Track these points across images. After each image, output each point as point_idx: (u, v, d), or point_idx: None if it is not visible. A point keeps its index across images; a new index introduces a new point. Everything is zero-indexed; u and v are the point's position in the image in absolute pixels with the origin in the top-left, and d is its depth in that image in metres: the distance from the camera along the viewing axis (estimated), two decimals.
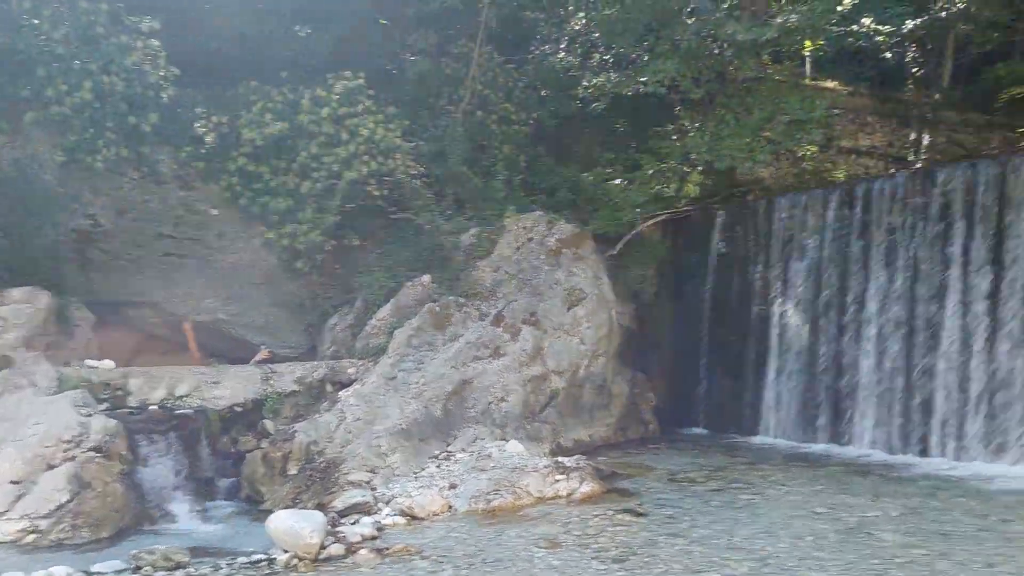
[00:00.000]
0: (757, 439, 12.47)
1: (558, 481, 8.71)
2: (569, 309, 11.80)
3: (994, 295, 10.09)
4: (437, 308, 11.36)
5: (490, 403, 10.59)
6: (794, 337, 12.37)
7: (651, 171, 13.22)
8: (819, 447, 11.61)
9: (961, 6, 14.73)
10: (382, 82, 13.62)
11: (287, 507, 8.08)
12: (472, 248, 12.34)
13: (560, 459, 9.41)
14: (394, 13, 14.46)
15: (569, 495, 8.54)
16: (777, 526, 7.39)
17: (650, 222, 13.80)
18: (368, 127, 12.08)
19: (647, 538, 7.08)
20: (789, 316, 12.50)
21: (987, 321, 10.12)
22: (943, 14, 15.06)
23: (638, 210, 13.09)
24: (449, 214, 12.67)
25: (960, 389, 10.27)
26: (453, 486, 8.58)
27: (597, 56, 15.03)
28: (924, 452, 10.52)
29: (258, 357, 12.15)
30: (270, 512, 7.44)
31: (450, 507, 8.20)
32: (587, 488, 8.67)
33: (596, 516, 7.78)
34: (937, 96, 16.14)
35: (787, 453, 11.36)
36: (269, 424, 10.22)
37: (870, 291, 11.48)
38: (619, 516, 7.80)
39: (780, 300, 12.66)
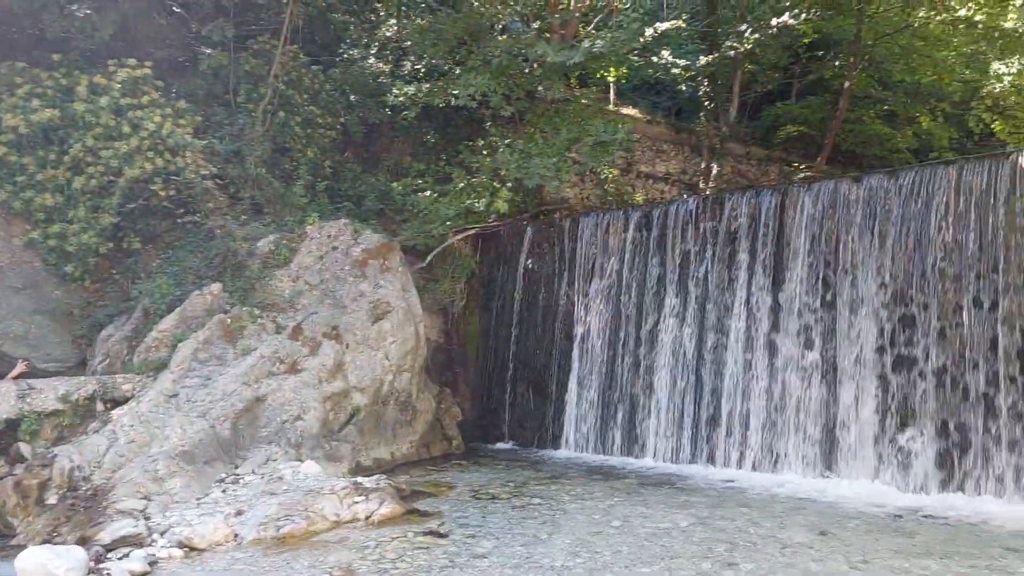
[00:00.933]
0: (560, 453, 12.64)
1: (356, 503, 8.25)
2: (374, 323, 11.36)
3: (774, 316, 10.86)
4: (228, 319, 10.51)
5: (285, 421, 9.92)
6: (595, 353, 12.70)
7: (462, 184, 13.12)
8: (616, 460, 11.94)
9: (747, 48, 15.96)
10: (173, 74, 12.54)
11: (43, 541, 7.13)
12: (270, 256, 11.58)
13: (359, 479, 8.94)
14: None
15: (368, 517, 8.11)
16: (576, 542, 7.38)
17: (460, 236, 13.70)
18: (154, 121, 11.05)
19: (448, 560, 6.80)
20: (591, 332, 12.82)
21: (767, 340, 10.87)
22: (731, 53, 16.24)
23: (448, 223, 12.94)
24: (245, 219, 11.84)
25: (743, 404, 10.94)
26: (240, 512, 7.88)
27: (408, 64, 14.77)
28: (711, 463, 11.09)
29: (15, 371, 10.66)
30: (22, 548, 6.50)
31: (235, 536, 7.50)
32: (387, 509, 8.27)
33: (396, 539, 7.41)
34: (725, 129, 17.39)
35: (587, 467, 11.56)
36: (25, 448, 8.96)
37: (665, 310, 12.01)
38: (420, 538, 7.47)
39: (583, 317, 12.97)
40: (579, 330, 12.98)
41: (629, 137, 13.53)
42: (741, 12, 16.90)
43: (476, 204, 12.95)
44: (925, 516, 8.41)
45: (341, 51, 14.75)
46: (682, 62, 16.97)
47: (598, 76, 16.05)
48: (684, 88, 18.30)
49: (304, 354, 10.50)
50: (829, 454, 10.08)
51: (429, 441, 12.44)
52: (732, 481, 10.32)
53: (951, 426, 9.14)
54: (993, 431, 8.86)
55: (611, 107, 16.68)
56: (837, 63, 17.71)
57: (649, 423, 11.88)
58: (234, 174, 12.22)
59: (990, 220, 9.18)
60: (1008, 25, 17.08)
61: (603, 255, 12.95)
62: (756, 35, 15.81)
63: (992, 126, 18.44)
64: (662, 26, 14.33)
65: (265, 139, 12.55)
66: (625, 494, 9.52)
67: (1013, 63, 17.45)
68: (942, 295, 9.39)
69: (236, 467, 9.22)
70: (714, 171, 17.17)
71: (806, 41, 17.79)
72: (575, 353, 12.95)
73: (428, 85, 13.44)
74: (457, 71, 13.55)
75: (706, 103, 18.21)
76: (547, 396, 13.17)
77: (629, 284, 12.55)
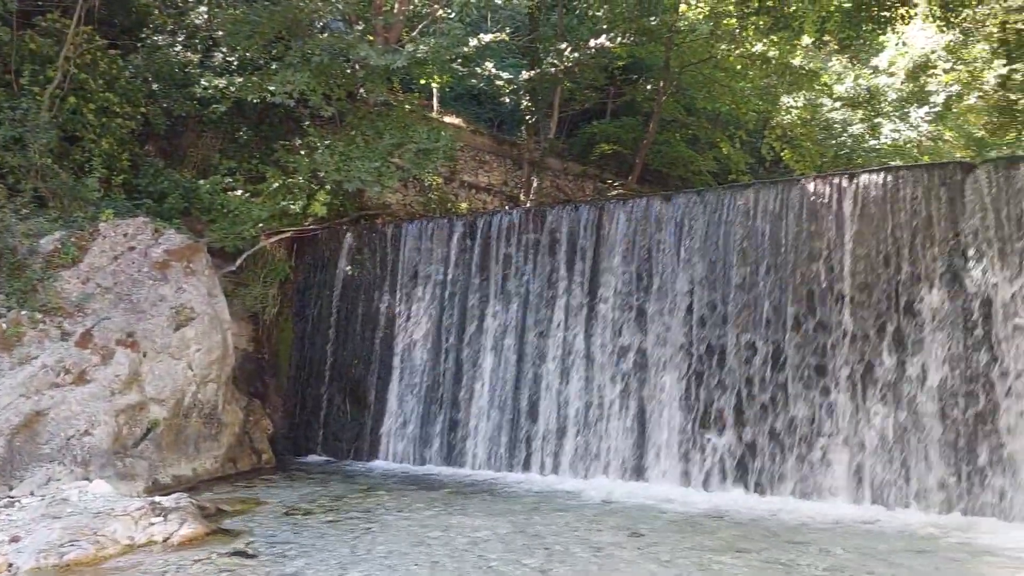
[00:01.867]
0: (378, 465, 12.33)
1: (153, 524, 7.55)
2: (176, 329, 10.53)
3: (590, 325, 11.21)
4: (4, 324, 9.36)
5: (71, 437, 8.94)
6: (416, 362, 12.53)
7: (276, 185, 12.52)
8: (436, 470, 11.81)
9: (566, 65, 16.50)
10: None
11: None
12: (55, 255, 10.43)
13: (157, 499, 8.20)
14: None
15: (167, 539, 7.43)
16: (394, 555, 7.16)
17: (274, 239, 13.06)
18: None
19: None
20: (412, 342, 12.64)
21: (584, 350, 11.19)
22: (552, 70, 16.73)
23: (261, 225, 12.28)
24: (26, 213, 10.60)
25: (561, 411, 11.19)
26: (15, 539, 6.97)
27: (220, 55, 13.92)
28: (530, 470, 11.23)
29: None
30: None
31: (10, 566, 6.61)
32: (188, 530, 7.63)
33: (198, 561, 6.83)
34: (544, 144, 17.86)
35: (406, 478, 11.35)
36: None
37: (488, 319, 12.07)
38: (225, 559, 6.94)
39: (405, 325, 12.76)
40: (400, 339, 12.76)
41: (452, 145, 13.52)
42: (561, 31, 17.47)
43: (292, 206, 12.41)
44: (726, 514, 8.93)
45: (144, 36, 13.64)
46: (505, 75, 17.26)
47: (422, 82, 15.96)
48: (507, 101, 18.64)
49: (94, 363, 9.54)
50: (641, 458, 10.51)
51: (236, 456, 11.71)
52: (550, 487, 10.50)
53: (748, 428, 9.82)
54: (775, 433, 9.62)
55: (435, 114, 16.64)
56: (648, 87, 18.74)
57: (470, 431, 11.86)
58: (14, 163, 10.93)
59: (780, 238, 10.01)
60: (796, 62, 18.87)
61: (426, 263, 12.83)
62: (575, 54, 16.38)
63: (782, 154, 20.25)
64: (486, 38, 14.48)
65: (52, 126, 11.33)
66: (444, 504, 9.40)
67: (799, 97, 19.27)
68: (743, 306, 10.10)
69: (11, 488, 8.20)
70: (534, 184, 17.58)
71: (621, 64, 18.70)
72: (395, 362, 12.71)
73: (241, 79, 12.72)
74: (274, 67, 12.94)
75: (527, 117, 18.64)
76: (365, 406, 12.82)
77: (452, 293, 12.51)
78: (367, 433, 12.71)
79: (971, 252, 8.90)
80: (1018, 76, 19.50)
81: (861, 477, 9.12)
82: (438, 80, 15.49)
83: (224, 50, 13.88)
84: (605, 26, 17.00)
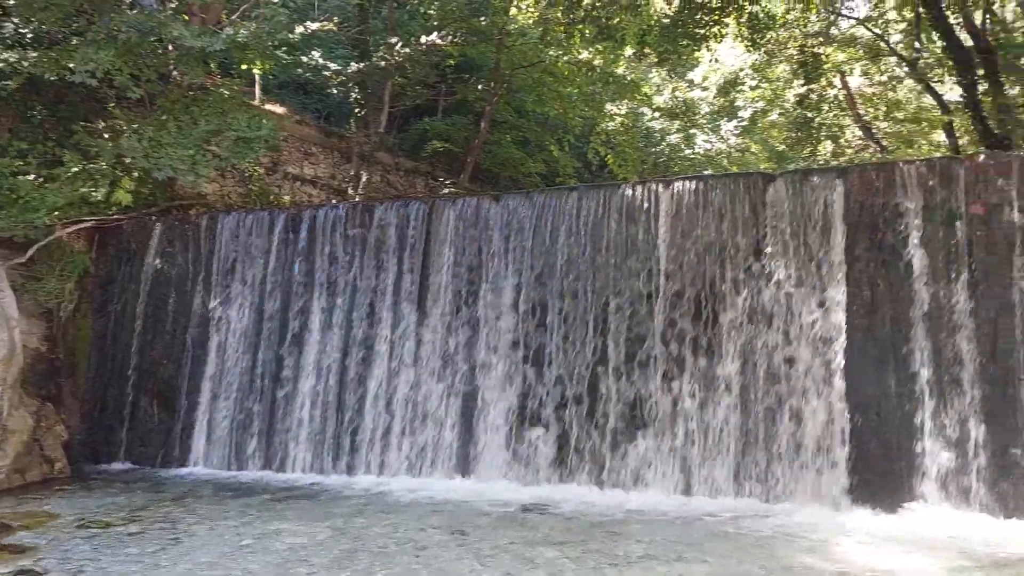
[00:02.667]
0: (188, 471, 11.57)
1: None
2: None
3: (419, 324, 11.09)
4: None
5: None
6: (233, 362, 11.87)
7: (76, 170, 11.42)
8: (253, 475, 11.25)
9: (397, 60, 16.27)
10: None
11: None
12: None
13: None
14: None
15: None
16: (203, 567, 6.73)
17: (72, 228, 11.95)
18: None
19: None
20: (229, 340, 11.97)
21: (412, 348, 11.05)
22: (382, 64, 16.44)
23: (56, 213, 11.18)
24: None
25: (387, 410, 10.99)
26: None
27: (11, 27, 12.53)
28: (354, 472, 10.94)
29: None
30: None
31: None
32: None
33: None
34: (374, 138, 17.54)
35: (219, 484, 10.72)
36: None
37: (311, 317, 11.65)
38: None
39: (220, 323, 12.07)
40: (215, 338, 12.04)
41: (275, 135, 12.93)
42: (391, 25, 17.22)
43: (93, 194, 11.38)
44: (547, 508, 9.11)
45: None
46: (333, 65, 16.78)
47: (243, 68, 15.18)
48: (335, 92, 18.13)
49: None
50: (466, 456, 10.53)
51: (25, 466, 10.61)
52: (375, 488, 10.27)
53: (572, 424, 10.08)
54: (596, 427, 9.96)
55: (257, 102, 15.88)
56: (480, 87, 18.88)
57: (290, 435, 11.39)
58: None
59: (603, 240, 10.37)
60: (619, 72, 19.70)
61: (245, 258, 12.18)
62: (406, 49, 16.19)
63: (606, 159, 21.06)
64: (312, 26, 13.98)
65: None
66: (261, 511, 8.97)
67: (622, 105, 20.13)
68: (568, 305, 10.37)
69: None
70: (363, 179, 17.21)
71: (452, 62, 18.70)
72: (210, 361, 11.98)
73: (36, 54, 11.51)
74: (75, 42, 11.80)
75: (356, 110, 18.22)
76: (175, 410, 11.98)
77: (273, 290, 11.96)
78: (177, 438, 11.90)
79: (770, 255, 9.61)
80: (814, 96, 21.42)
81: (677, 468, 9.61)
82: (260, 67, 14.76)
83: (16, 21, 12.50)
84: (436, 23, 16.93)
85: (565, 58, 17.98)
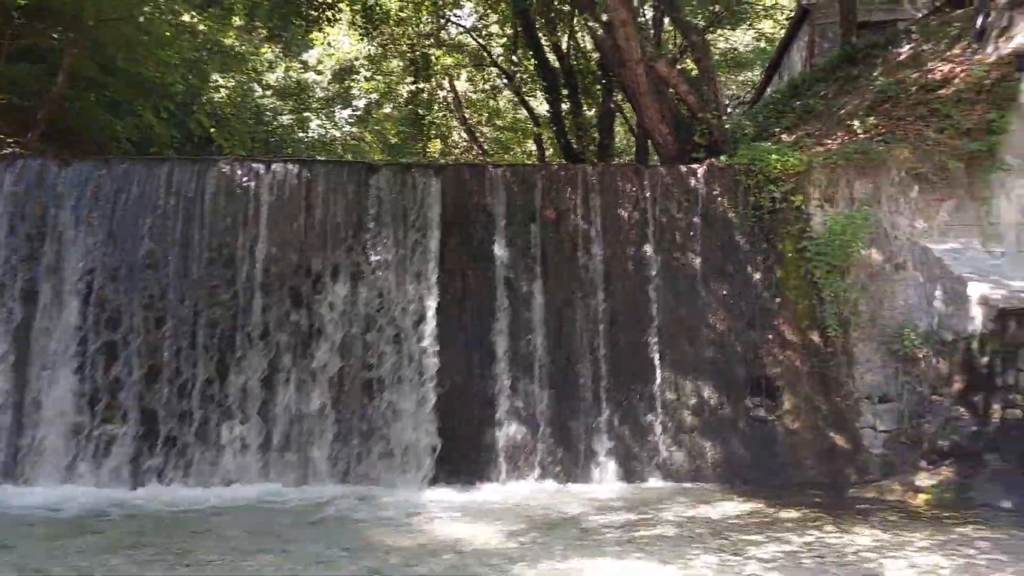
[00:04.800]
0: None
1: None
2: None
3: None
4: None
5: None
6: None
7: None
8: None
9: None
10: None
11: None
12: None
13: None
14: None
15: None
16: None
17: None
18: None
19: None
20: None
21: None
22: None
23: None
24: None
25: None
26: None
27: None
28: None
29: None
30: None
31: None
32: None
33: None
34: None
35: None
36: None
37: None
38: None
39: None
40: None
41: None
42: None
43: None
44: (124, 511, 8.18)
45: None
46: None
47: None
48: None
49: None
50: (17, 459, 9.02)
51: None
52: None
53: (154, 418, 9.18)
54: (180, 420, 9.22)
55: None
56: (56, 36, 16.32)
57: None
58: None
59: (195, 219, 9.61)
60: (228, 42, 18.53)
61: None
62: None
63: (211, 131, 19.68)
64: None
65: None
66: None
67: (231, 77, 18.98)
68: (151, 288, 9.41)
69: None
70: None
71: (23, 2, 15.89)
72: None
73: None
74: None
75: None
76: None
77: None
78: None
79: (371, 245, 9.76)
80: (425, 95, 22.41)
81: (271, 459, 9.28)
82: None
83: None
84: None
85: (164, 18, 16.37)
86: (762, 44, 25.44)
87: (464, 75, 23.23)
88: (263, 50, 21.47)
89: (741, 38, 25.19)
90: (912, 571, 5.95)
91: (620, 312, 9.90)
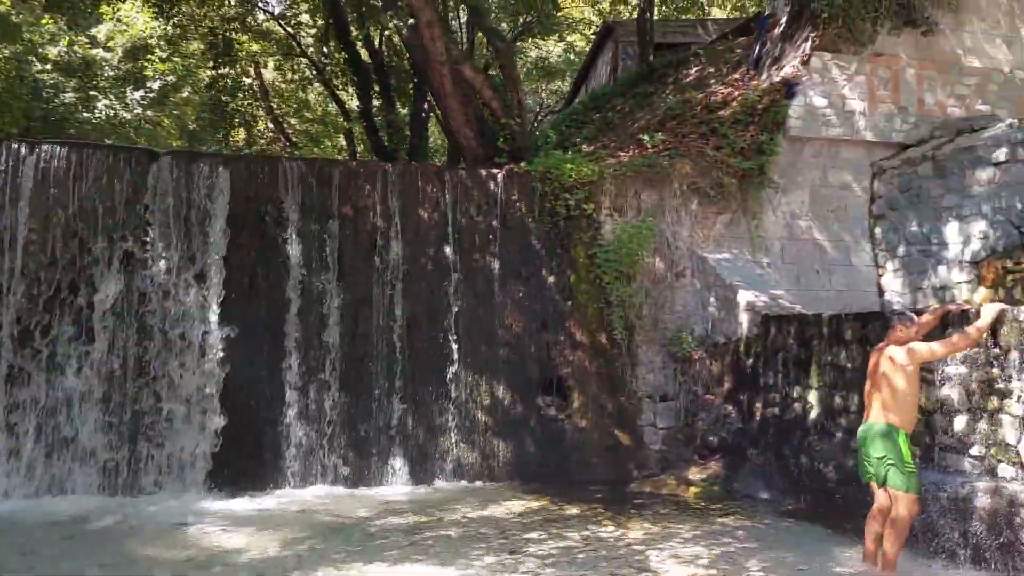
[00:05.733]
0: None
1: None
2: None
3: None
4: None
5: None
6: None
7: None
8: None
9: None
10: None
11: None
12: None
13: None
14: None
15: None
16: None
17: None
18: None
19: None
20: None
21: None
22: None
23: None
24: None
25: None
26: None
27: None
28: None
29: None
30: None
31: None
32: None
33: None
34: None
35: None
36: None
37: None
38: None
39: None
40: None
41: None
42: None
43: None
44: None
45: None
46: None
47: None
48: None
49: None
50: None
51: None
52: None
53: None
54: None
55: None
56: None
57: None
58: None
59: None
60: (2, 9, 16.62)
61: None
62: None
63: None
64: None
65: None
66: None
67: (3, 48, 17.05)
68: None
69: None
70: None
71: None
72: None
73: None
74: None
75: None
76: None
77: None
78: None
79: (148, 237, 9.07)
80: (229, 80, 21.28)
81: (18, 467, 8.38)
82: None
83: None
84: None
85: None
86: (572, 56, 26.43)
87: (272, 63, 22.31)
88: (44, 21, 19.45)
89: (553, 48, 26.01)
90: (674, 561, 6.31)
91: (418, 312, 9.85)
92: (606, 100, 16.12)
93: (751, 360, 9.45)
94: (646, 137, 11.93)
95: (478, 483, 9.52)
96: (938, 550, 5.90)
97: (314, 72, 21.73)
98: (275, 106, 22.43)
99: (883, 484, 5.64)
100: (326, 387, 9.34)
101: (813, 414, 8.13)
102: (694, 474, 9.41)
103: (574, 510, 8.18)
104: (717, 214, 11.13)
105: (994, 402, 5.74)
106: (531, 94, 27.88)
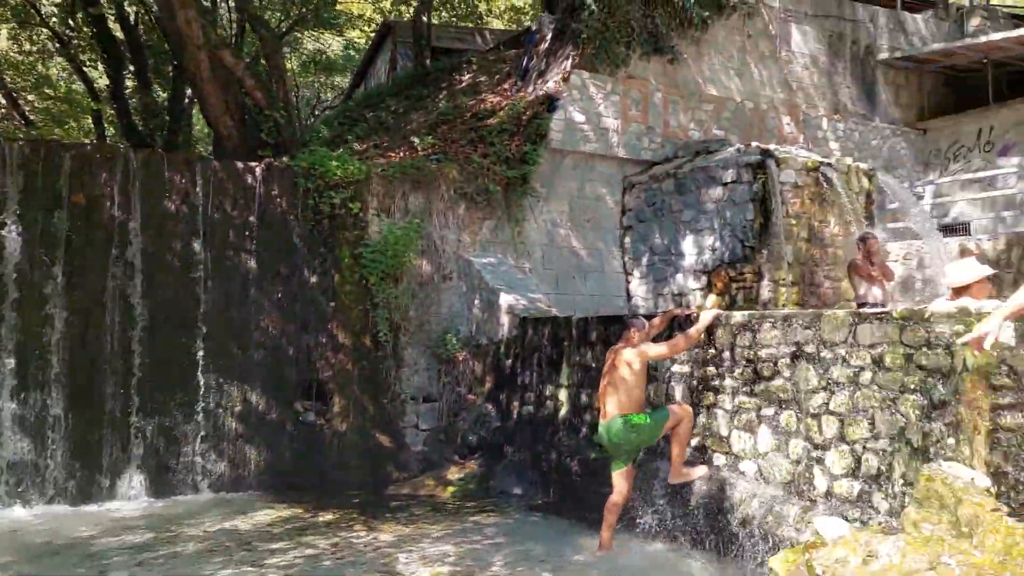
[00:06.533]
0: None
1: None
2: None
3: None
4: None
5: None
6: None
7: None
8: None
9: None
10: None
11: None
12: None
13: None
14: None
15: None
16: None
17: None
18: None
19: None
20: None
21: None
22: None
23: None
24: None
25: None
26: None
27: None
28: None
29: None
30: None
31: None
32: None
33: None
34: None
35: None
36: None
37: None
38: None
39: None
40: None
41: None
42: None
43: None
44: None
45: None
46: None
47: None
48: None
49: None
50: None
51: None
52: None
53: None
54: None
55: None
56: None
57: None
58: None
59: None
60: None
61: None
62: None
63: None
64: None
65: None
66: None
67: None
68: None
69: None
70: None
71: None
72: None
73: None
74: None
75: None
76: None
77: None
78: None
79: None
80: None
81: None
82: None
83: None
84: None
85: None
86: (352, 52, 25.94)
87: (5, 31, 19.80)
88: None
89: (332, 42, 25.39)
90: (421, 562, 6.30)
91: (161, 312, 9.11)
92: (381, 99, 15.97)
93: (510, 360, 9.72)
94: (417, 139, 11.94)
95: (228, 494, 8.99)
96: (659, 531, 6.38)
97: (57, 45, 19.51)
98: (8, 80, 19.87)
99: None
100: (47, 395, 8.36)
101: (563, 411, 8.49)
102: (453, 474, 9.49)
103: (328, 517, 7.94)
104: (483, 219, 11.35)
105: (710, 398, 6.28)
106: (308, 87, 27.03)
